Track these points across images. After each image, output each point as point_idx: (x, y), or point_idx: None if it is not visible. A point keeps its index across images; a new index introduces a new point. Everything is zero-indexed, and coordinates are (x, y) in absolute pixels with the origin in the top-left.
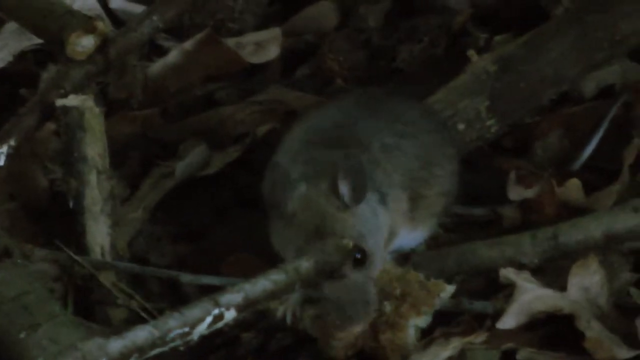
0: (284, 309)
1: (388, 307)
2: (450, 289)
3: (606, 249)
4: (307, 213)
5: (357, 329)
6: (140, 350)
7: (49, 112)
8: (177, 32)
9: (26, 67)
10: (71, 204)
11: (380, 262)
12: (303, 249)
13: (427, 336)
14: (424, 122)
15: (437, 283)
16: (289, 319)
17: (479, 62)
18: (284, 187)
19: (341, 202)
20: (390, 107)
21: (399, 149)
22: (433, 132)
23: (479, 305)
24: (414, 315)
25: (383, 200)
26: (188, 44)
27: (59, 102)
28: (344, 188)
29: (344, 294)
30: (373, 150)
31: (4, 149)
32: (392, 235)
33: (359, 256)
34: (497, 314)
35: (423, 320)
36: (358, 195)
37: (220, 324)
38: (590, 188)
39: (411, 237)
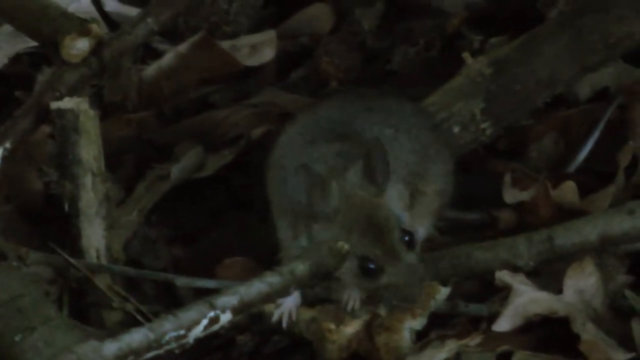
0: (279, 312)
1: (383, 309)
2: (445, 291)
3: (601, 251)
4: (352, 207)
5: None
6: (136, 353)
7: (44, 115)
8: (172, 35)
9: (21, 69)
10: (66, 207)
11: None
12: (360, 245)
13: (422, 338)
14: (419, 119)
15: (432, 285)
16: (284, 322)
17: (474, 65)
18: (315, 187)
19: (376, 188)
20: (384, 103)
21: (396, 141)
22: (428, 130)
23: (474, 308)
24: (409, 317)
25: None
26: (183, 47)
27: (54, 105)
28: (374, 173)
29: (403, 277)
30: None
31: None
32: None
33: (406, 238)
34: (493, 317)
35: (418, 323)
36: (385, 176)
37: (215, 327)
38: (585, 191)
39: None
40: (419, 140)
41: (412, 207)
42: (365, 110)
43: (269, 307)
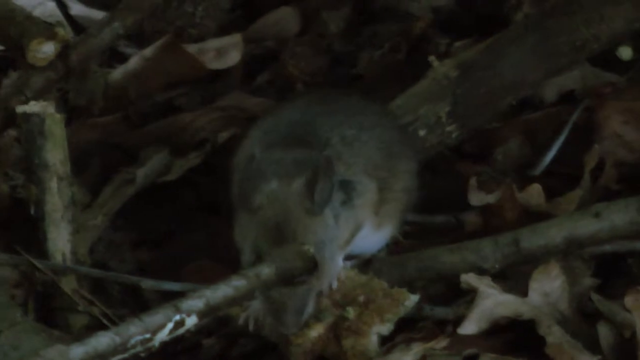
0: (246, 316)
1: (351, 313)
2: (414, 298)
3: (567, 254)
4: (273, 209)
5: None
6: (102, 356)
7: (10, 119)
8: (138, 38)
9: None
10: (32, 211)
11: (334, 272)
12: (260, 244)
13: (388, 342)
14: (380, 118)
15: (401, 292)
16: (251, 326)
17: (440, 68)
18: (255, 179)
19: (312, 206)
20: (348, 103)
21: (359, 140)
22: (392, 129)
23: (440, 311)
24: (378, 322)
25: (348, 195)
26: (149, 51)
27: (20, 109)
28: (317, 191)
29: (283, 297)
30: (334, 144)
31: None
32: (356, 229)
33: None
34: (459, 320)
35: (386, 328)
36: (325, 200)
37: (181, 330)
38: (551, 194)
39: (375, 238)
40: (382, 138)
41: (381, 206)
42: (326, 112)
43: (235, 311)
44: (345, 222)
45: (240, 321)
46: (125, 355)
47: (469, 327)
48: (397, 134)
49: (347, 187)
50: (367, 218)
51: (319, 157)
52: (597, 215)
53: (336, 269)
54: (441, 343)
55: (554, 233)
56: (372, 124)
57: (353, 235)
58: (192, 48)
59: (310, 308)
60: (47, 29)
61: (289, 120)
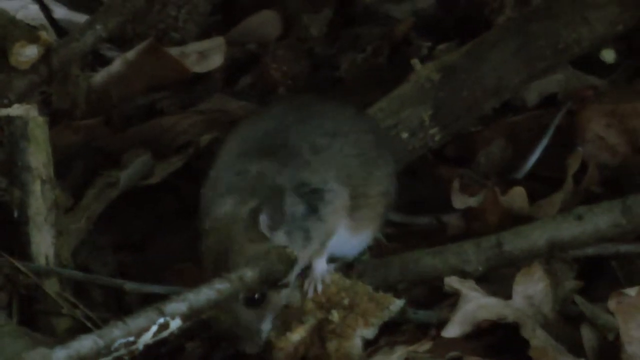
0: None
1: (336, 316)
2: (399, 302)
3: (550, 257)
4: (220, 233)
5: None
6: (85, 359)
7: None
8: (120, 42)
9: None
10: (15, 214)
11: (318, 275)
12: (209, 268)
13: (371, 345)
14: (358, 122)
15: (386, 296)
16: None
17: (422, 71)
18: (208, 201)
19: (259, 232)
20: (322, 109)
21: (331, 148)
22: (368, 133)
23: (423, 314)
24: (362, 325)
25: (314, 205)
26: (131, 54)
27: (3, 112)
28: (263, 217)
29: (232, 324)
30: (303, 153)
31: None
32: (327, 236)
33: (256, 296)
34: (442, 323)
35: (370, 332)
36: (275, 225)
37: (165, 333)
38: (534, 197)
39: (354, 242)
40: (358, 143)
41: (356, 211)
42: (300, 120)
43: (222, 316)
44: (313, 231)
45: (227, 325)
46: (109, 358)
47: (452, 330)
48: (374, 138)
49: (314, 197)
50: (338, 225)
51: (269, 184)
52: (579, 218)
53: (321, 272)
54: (424, 346)
55: (536, 236)
56: (347, 131)
57: (324, 242)
58: (174, 51)
59: (268, 328)
60: (30, 32)
61: (263, 130)
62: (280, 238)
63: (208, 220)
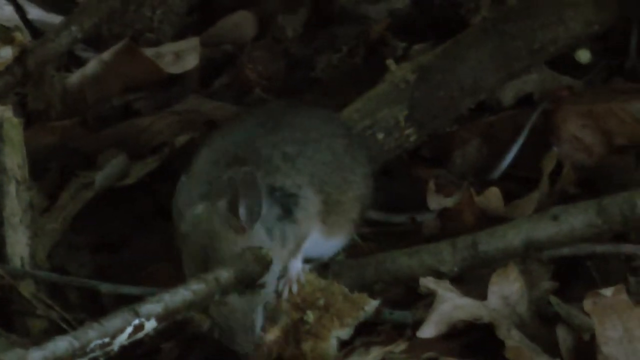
0: (211, 322)
1: (311, 316)
2: (374, 303)
3: (526, 257)
4: (198, 234)
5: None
6: None
7: None
8: (96, 42)
9: None
10: None
11: (272, 284)
12: (192, 272)
13: (347, 346)
14: (328, 127)
15: (361, 296)
16: (216, 334)
17: (398, 71)
18: (182, 206)
19: (238, 223)
20: (291, 118)
21: (302, 156)
22: (339, 137)
23: (399, 315)
24: (337, 326)
25: (287, 208)
26: (106, 55)
27: None
28: (242, 208)
29: (227, 319)
30: (274, 160)
31: None
32: (300, 240)
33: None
34: (417, 323)
35: (346, 332)
36: (253, 216)
37: (140, 334)
38: (509, 197)
39: (328, 245)
40: (331, 149)
41: (329, 216)
42: (271, 129)
43: (199, 315)
44: (289, 232)
45: (205, 327)
46: (85, 359)
47: (427, 331)
48: (347, 142)
49: (287, 201)
50: (311, 229)
51: (240, 173)
52: (555, 218)
53: (296, 272)
54: (400, 347)
55: (512, 236)
56: (319, 137)
57: (299, 245)
58: (149, 52)
59: (260, 322)
60: (4, 33)
61: (236, 138)
62: (260, 233)
63: (183, 224)
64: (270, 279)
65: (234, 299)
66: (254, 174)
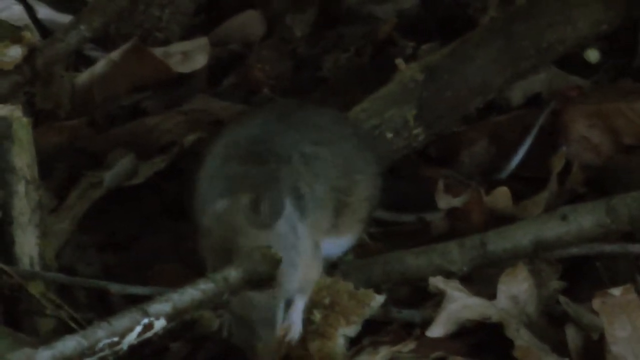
0: (220, 322)
1: (317, 315)
2: (379, 298)
3: (534, 257)
4: (221, 229)
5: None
6: None
7: None
8: (104, 42)
9: None
10: None
11: (294, 280)
12: (216, 266)
13: (355, 345)
14: (337, 128)
15: (366, 293)
16: (225, 332)
17: (406, 71)
18: (203, 202)
19: (261, 219)
20: (303, 117)
21: (317, 158)
22: (348, 137)
23: (407, 314)
24: (344, 324)
25: (303, 216)
26: (115, 54)
27: None
28: (264, 205)
29: (248, 312)
30: (294, 162)
31: None
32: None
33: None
34: (426, 323)
35: (352, 330)
36: (276, 213)
37: (149, 334)
38: (518, 197)
39: (337, 245)
40: (341, 151)
41: (338, 218)
42: (285, 127)
43: (208, 314)
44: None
45: (214, 327)
46: (93, 358)
47: (436, 330)
48: (356, 143)
49: (300, 202)
50: (322, 237)
51: (267, 173)
52: (564, 218)
53: (296, 278)
54: (409, 346)
55: (520, 236)
56: (331, 139)
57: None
58: (158, 51)
59: (280, 316)
60: (13, 32)
61: (249, 136)
62: (282, 227)
63: (206, 218)
64: (290, 277)
65: (256, 293)
66: (278, 173)
